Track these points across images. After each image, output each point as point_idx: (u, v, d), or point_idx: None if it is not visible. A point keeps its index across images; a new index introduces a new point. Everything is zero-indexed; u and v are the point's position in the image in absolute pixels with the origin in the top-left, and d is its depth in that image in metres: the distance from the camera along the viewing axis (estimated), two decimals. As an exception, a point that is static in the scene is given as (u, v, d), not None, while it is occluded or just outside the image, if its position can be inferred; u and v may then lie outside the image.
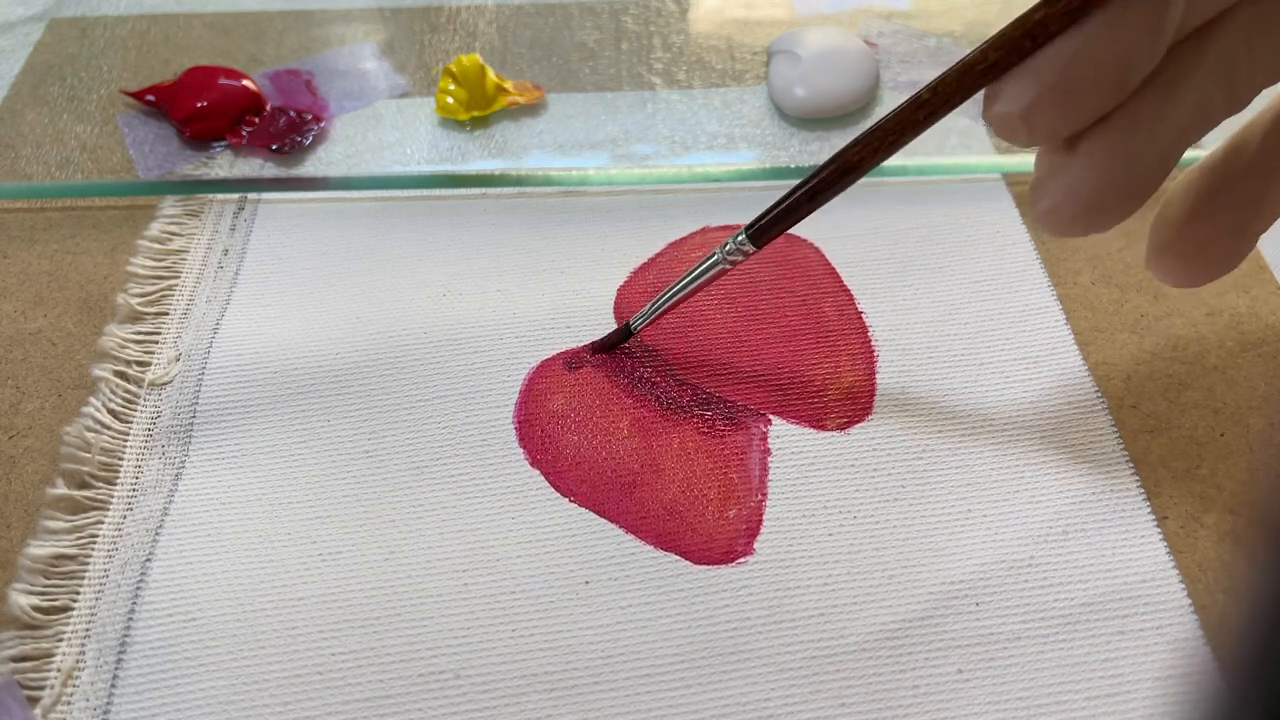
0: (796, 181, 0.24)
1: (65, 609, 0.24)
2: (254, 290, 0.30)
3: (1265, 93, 0.21)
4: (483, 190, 0.33)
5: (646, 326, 0.28)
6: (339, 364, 0.29)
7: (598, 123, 0.36)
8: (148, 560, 0.25)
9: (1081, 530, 0.25)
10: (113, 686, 0.23)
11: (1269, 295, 0.30)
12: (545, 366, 0.28)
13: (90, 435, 0.27)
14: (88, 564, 0.25)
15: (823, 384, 0.28)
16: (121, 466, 0.26)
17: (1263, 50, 0.20)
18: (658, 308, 0.27)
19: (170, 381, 0.28)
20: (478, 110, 0.36)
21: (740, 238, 0.25)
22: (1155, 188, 0.21)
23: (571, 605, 0.24)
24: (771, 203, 0.24)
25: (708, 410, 0.27)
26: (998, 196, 0.33)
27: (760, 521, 0.25)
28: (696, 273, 0.26)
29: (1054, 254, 0.31)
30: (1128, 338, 0.29)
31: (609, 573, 0.24)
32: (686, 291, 0.27)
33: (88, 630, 0.23)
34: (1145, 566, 0.25)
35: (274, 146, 0.34)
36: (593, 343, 0.29)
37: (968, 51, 0.21)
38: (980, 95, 0.22)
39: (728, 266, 0.26)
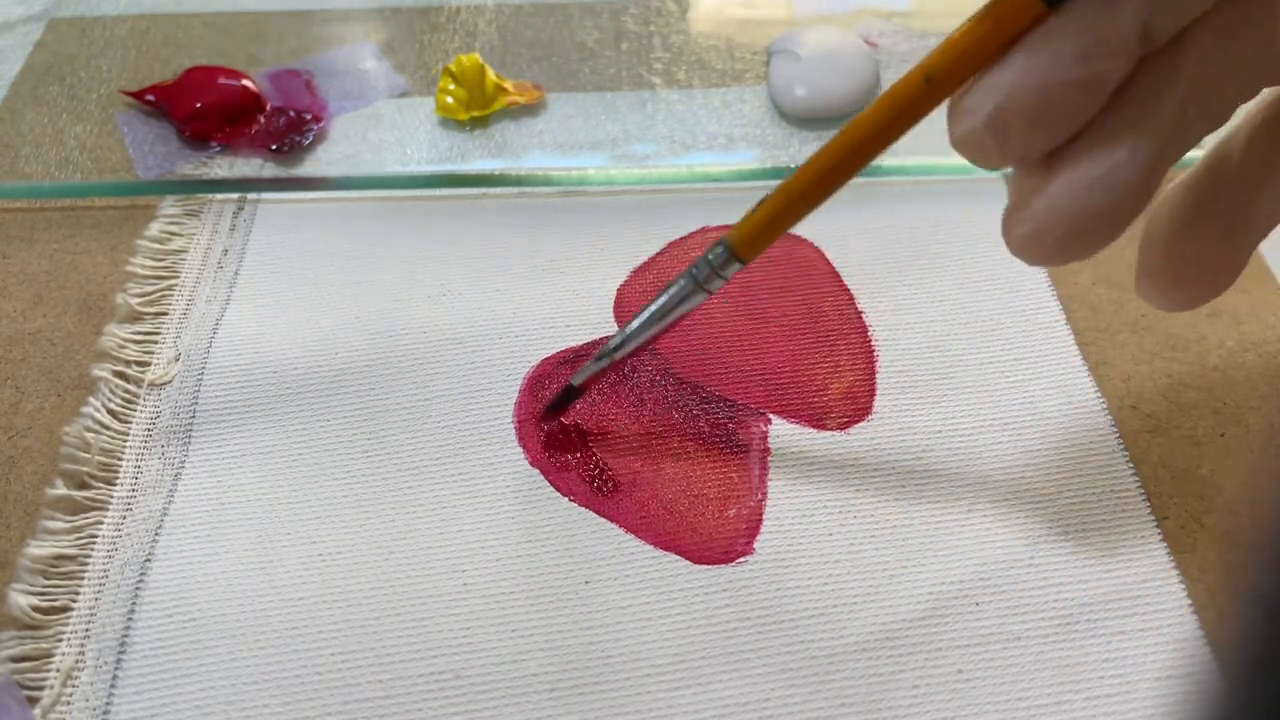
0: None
1: (65, 609, 0.24)
2: (253, 290, 0.30)
3: (1245, 105, 0.20)
4: (483, 190, 0.33)
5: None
6: (339, 364, 0.29)
7: (597, 123, 0.36)
8: (147, 560, 0.25)
9: (1081, 530, 0.25)
10: (112, 686, 0.23)
11: (1269, 295, 0.30)
12: (545, 366, 0.28)
13: (90, 435, 0.27)
14: (87, 564, 0.24)
15: (823, 384, 0.28)
16: (121, 467, 0.26)
17: (1240, 60, 0.19)
18: (615, 349, 0.25)
19: (170, 381, 0.28)
20: (477, 110, 0.36)
21: (720, 249, 0.23)
22: (1140, 208, 0.19)
23: (571, 605, 0.24)
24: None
25: (708, 410, 0.27)
26: (998, 196, 0.33)
27: (760, 521, 0.25)
28: (659, 305, 0.24)
29: (1054, 254, 0.31)
30: (1128, 338, 0.29)
31: (609, 573, 0.24)
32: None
33: (87, 630, 0.23)
34: (1145, 566, 0.24)
35: (274, 146, 0.34)
36: (545, 410, 0.27)
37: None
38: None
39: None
